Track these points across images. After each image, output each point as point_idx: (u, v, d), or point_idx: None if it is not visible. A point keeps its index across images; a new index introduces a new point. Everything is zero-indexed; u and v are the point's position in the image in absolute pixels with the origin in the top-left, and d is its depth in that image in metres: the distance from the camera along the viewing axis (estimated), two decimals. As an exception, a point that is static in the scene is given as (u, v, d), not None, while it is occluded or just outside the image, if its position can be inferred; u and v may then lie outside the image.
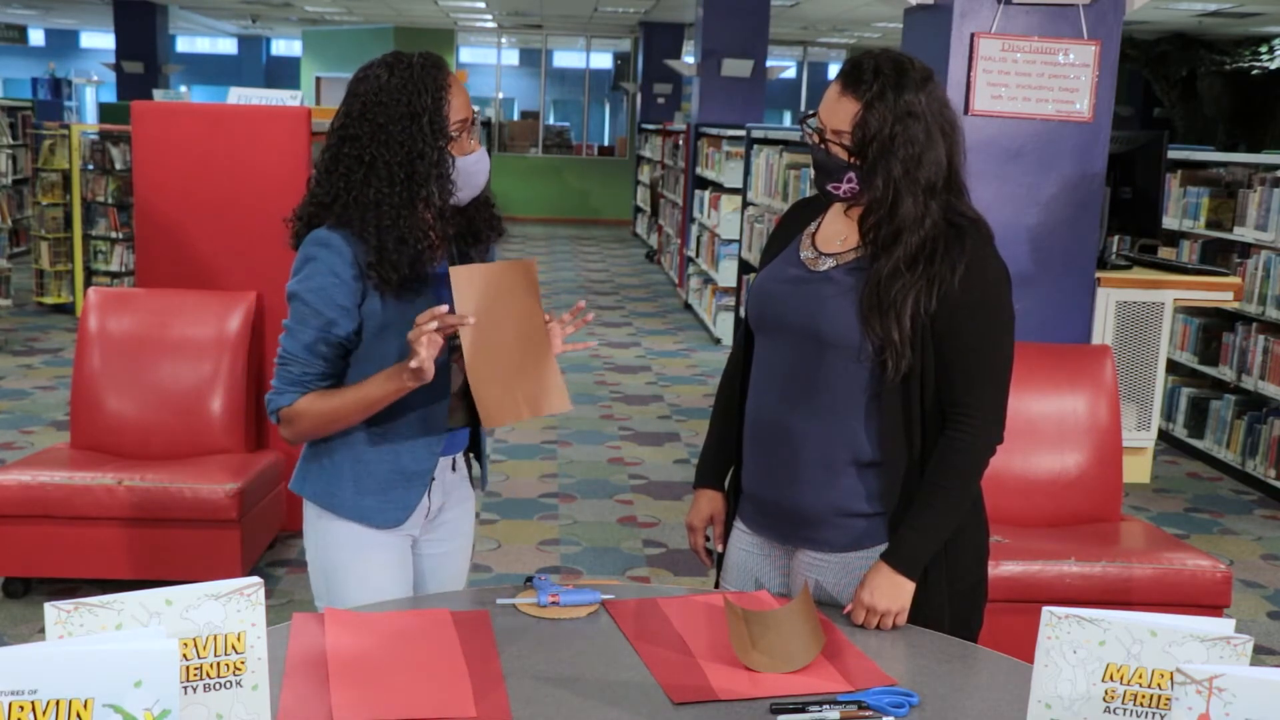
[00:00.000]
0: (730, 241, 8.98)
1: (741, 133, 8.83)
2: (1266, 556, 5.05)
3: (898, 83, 1.94)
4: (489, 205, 2.26)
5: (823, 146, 2.01)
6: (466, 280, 1.99)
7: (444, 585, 2.32)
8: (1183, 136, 16.47)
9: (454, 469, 2.28)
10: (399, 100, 2.02)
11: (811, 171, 2.14)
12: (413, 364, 1.93)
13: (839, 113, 1.98)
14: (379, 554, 2.18)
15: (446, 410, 2.14)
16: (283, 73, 28.50)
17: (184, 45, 29.05)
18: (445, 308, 1.96)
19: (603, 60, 26.13)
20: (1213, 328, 6.43)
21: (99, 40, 27.93)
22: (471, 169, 2.12)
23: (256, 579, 1.40)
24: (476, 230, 2.24)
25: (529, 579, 2.02)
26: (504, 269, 2.06)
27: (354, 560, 2.17)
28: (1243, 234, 6.13)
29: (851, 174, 1.99)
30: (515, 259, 2.10)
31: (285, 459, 4.33)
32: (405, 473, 2.15)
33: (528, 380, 2.09)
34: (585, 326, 2.30)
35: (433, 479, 2.21)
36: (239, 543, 3.92)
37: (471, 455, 2.37)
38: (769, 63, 11.92)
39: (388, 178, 2.02)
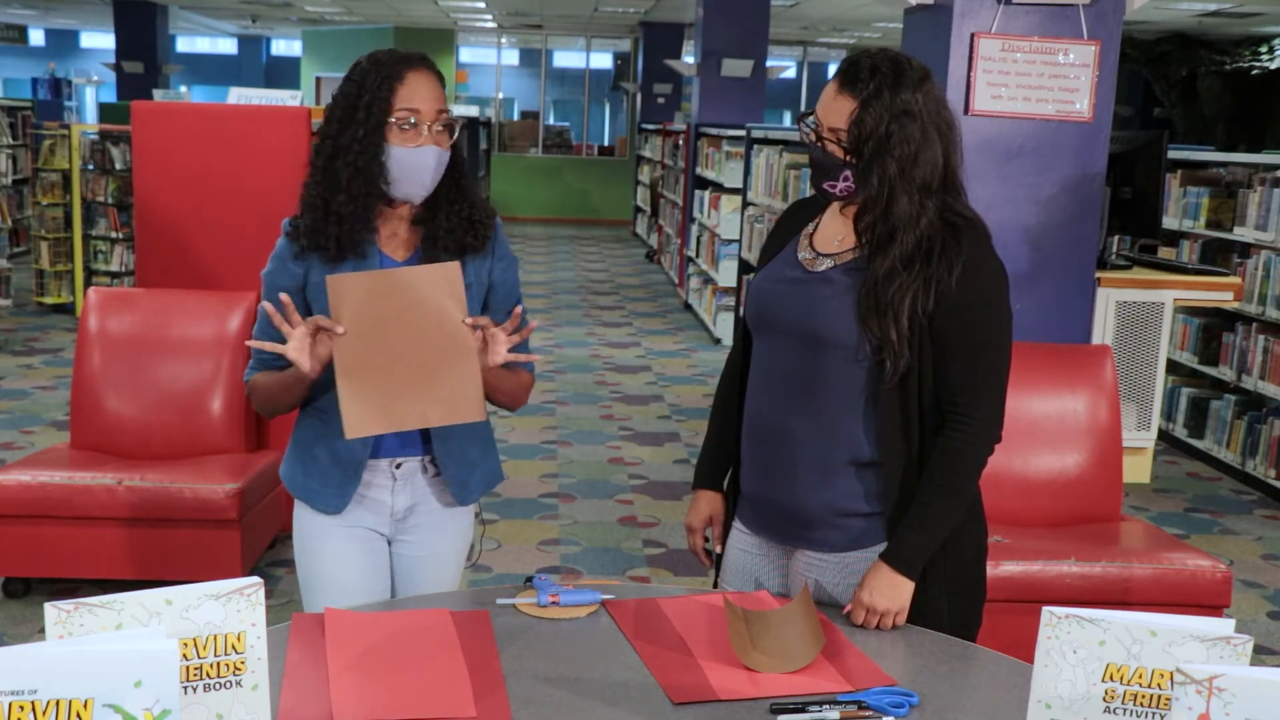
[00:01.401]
0: (730, 241, 8.98)
1: (741, 133, 8.83)
2: (1266, 556, 5.05)
3: (895, 81, 1.94)
4: (471, 220, 2.16)
5: (819, 144, 2.01)
6: (340, 289, 1.96)
7: (422, 590, 2.29)
8: (1183, 136, 16.46)
9: (425, 472, 2.24)
10: (354, 80, 2.09)
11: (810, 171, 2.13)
12: (282, 349, 1.98)
13: (836, 110, 1.98)
14: (338, 545, 2.22)
15: None
16: (282, 73, 28.50)
17: (184, 45, 29.05)
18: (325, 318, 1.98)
19: (603, 60, 26.12)
20: (1213, 328, 6.43)
21: (99, 40, 27.92)
22: (405, 159, 2.06)
23: (256, 579, 1.40)
24: (435, 237, 2.15)
25: (529, 579, 2.02)
26: (405, 276, 1.99)
27: (316, 548, 2.23)
28: (1243, 234, 6.13)
29: (848, 172, 1.99)
30: (432, 264, 2.02)
31: (285, 459, 4.33)
32: (339, 460, 2.18)
33: (428, 389, 2.01)
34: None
35: (395, 479, 2.22)
36: (239, 543, 3.92)
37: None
38: (769, 63, 11.92)
39: (326, 150, 2.09)
